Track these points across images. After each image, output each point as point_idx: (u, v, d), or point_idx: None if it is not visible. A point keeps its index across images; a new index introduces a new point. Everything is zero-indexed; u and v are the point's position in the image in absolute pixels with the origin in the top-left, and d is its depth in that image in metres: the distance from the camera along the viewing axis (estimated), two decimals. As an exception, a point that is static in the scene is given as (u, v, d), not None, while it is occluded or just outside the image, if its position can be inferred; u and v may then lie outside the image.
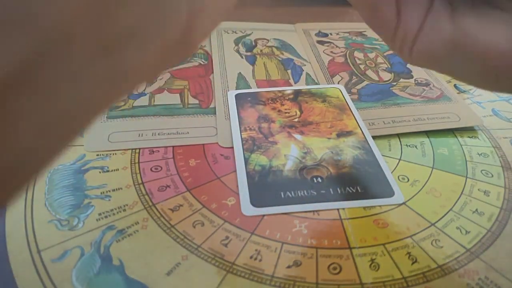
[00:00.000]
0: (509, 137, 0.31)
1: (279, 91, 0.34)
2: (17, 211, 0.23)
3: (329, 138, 0.29)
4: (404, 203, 0.25)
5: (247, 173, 0.26)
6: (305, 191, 0.25)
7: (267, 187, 0.25)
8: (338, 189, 0.25)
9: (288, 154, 0.27)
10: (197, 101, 0.33)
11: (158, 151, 0.28)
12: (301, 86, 0.35)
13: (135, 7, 0.10)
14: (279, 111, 0.31)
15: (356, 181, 0.25)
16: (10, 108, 0.08)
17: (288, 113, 0.31)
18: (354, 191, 0.25)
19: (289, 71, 0.38)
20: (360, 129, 0.30)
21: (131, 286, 0.20)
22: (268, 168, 0.26)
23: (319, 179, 0.25)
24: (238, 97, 0.33)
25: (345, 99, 0.33)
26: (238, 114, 0.31)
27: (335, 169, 0.26)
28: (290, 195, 0.24)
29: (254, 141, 0.28)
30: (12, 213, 0.23)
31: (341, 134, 0.29)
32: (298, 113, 0.31)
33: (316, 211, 0.24)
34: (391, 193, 0.25)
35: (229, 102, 0.32)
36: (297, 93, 0.34)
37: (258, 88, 0.35)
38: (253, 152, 0.27)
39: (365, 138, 0.29)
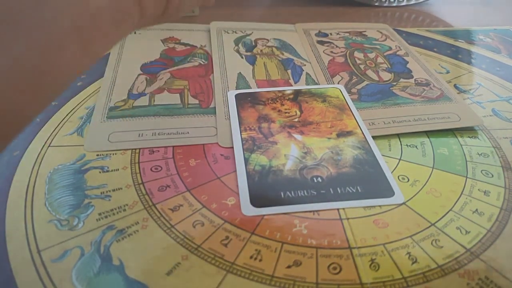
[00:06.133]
0: (509, 137, 0.31)
1: (279, 91, 0.34)
2: (17, 211, 0.23)
3: (329, 138, 0.29)
4: (404, 203, 0.25)
5: (247, 173, 0.26)
6: (305, 191, 0.25)
7: (267, 187, 0.25)
8: (338, 189, 0.25)
9: (288, 154, 0.27)
10: (197, 101, 0.33)
11: (158, 151, 0.28)
12: (301, 86, 0.35)
13: None
14: (279, 111, 0.31)
15: (356, 181, 0.25)
16: None
17: (288, 113, 0.31)
18: (354, 191, 0.25)
19: (289, 71, 0.38)
20: (360, 129, 0.30)
21: (131, 286, 0.20)
22: (268, 168, 0.26)
23: (319, 179, 0.25)
24: (238, 97, 0.33)
25: (345, 99, 0.33)
26: (238, 114, 0.31)
27: (335, 169, 0.26)
28: (290, 195, 0.24)
29: (254, 141, 0.28)
30: (12, 213, 0.23)
31: (341, 134, 0.29)
32: (298, 113, 0.31)
33: (316, 211, 0.24)
34: (391, 193, 0.25)
35: (229, 102, 0.32)
36: (297, 93, 0.34)
37: (258, 88, 0.35)
38: (253, 152, 0.27)
39: (365, 138, 0.29)
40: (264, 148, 0.28)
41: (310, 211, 0.24)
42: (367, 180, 0.26)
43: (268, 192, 0.25)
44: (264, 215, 0.23)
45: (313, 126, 0.30)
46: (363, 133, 0.29)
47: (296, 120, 0.31)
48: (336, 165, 0.27)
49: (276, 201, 0.24)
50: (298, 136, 0.29)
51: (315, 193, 0.25)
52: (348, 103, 0.33)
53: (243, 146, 0.28)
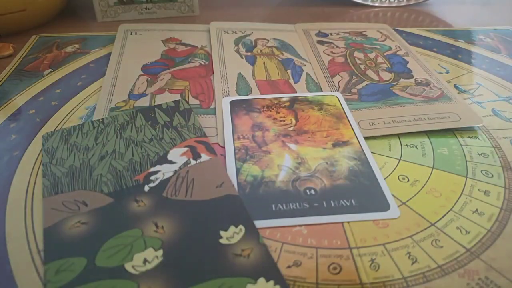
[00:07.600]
0: (509, 137, 0.31)
1: (275, 98, 0.33)
2: (17, 211, 0.23)
3: (324, 148, 0.28)
4: (398, 217, 0.24)
5: (238, 184, 0.25)
6: (297, 204, 0.24)
7: (258, 199, 0.24)
8: (332, 202, 0.24)
9: (281, 164, 0.27)
10: (197, 102, 0.33)
11: (158, 151, 0.28)
12: (298, 93, 0.35)
13: None
14: (274, 119, 0.31)
15: (351, 194, 0.25)
16: None
17: (284, 121, 0.31)
18: (348, 204, 0.24)
19: (289, 71, 0.38)
20: (357, 138, 0.29)
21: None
22: (260, 179, 0.26)
23: (312, 191, 0.25)
24: (233, 104, 0.32)
25: (342, 107, 0.32)
26: (232, 122, 0.30)
27: (329, 181, 0.26)
28: (282, 208, 0.24)
29: (247, 150, 0.28)
30: (12, 213, 0.23)
31: (337, 144, 0.29)
32: (294, 121, 0.31)
33: (308, 225, 0.23)
34: (386, 207, 0.24)
35: (223, 109, 0.32)
36: (294, 100, 0.33)
37: (258, 88, 0.35)
38: (246, 162, 0.27)
39: (362, 148, 0.28)
40: (257, 158, 0.27)
41: (302, 225, 0.23)
42: (362, 193, 0.25)
43: (259, 204, 0.24)
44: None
45: (308, 135, 0.29)
46: (359, 143, 0.29)
47: (291, 128, 0.30)
48: (331, 176, 0.26)
49: (266, 215, 0.23)
50: (292, 146, 0.28)
51: (307, 206, 0.24)
52: (345, 112, 0.32)
53: (235, 155, 0.27)
